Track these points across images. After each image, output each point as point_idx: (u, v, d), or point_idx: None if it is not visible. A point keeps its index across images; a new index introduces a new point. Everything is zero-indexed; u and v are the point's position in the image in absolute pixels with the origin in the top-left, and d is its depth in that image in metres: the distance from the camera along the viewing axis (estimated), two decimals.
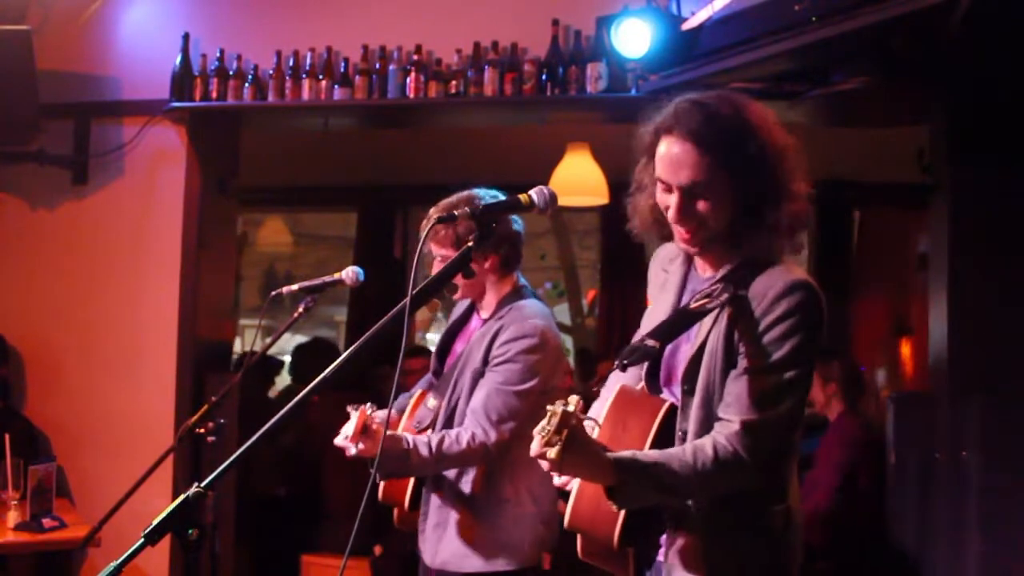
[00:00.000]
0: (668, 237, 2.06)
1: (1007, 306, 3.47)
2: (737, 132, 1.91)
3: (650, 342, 1.94)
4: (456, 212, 1.89)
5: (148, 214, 4.71)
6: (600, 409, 2.05)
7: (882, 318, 6.79)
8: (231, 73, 4.50)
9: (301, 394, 1.64)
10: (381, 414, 2.69)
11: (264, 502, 5.53)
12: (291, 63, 4.46)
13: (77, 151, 4.75)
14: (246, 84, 4.47)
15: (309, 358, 6.21)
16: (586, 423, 1.83)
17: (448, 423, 2.88)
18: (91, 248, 4.76)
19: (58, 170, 4.74)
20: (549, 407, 1.70)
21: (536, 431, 1.71)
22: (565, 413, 1.68)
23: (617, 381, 2.10)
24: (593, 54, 4.17)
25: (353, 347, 1.70)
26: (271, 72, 4.46)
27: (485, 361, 2.84)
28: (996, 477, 3.38)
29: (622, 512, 1.88)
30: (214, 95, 4.49)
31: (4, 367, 4.65)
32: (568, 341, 10.80)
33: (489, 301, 2.95)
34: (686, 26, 3.64)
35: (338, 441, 2.71)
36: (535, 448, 1.72)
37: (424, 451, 2.75)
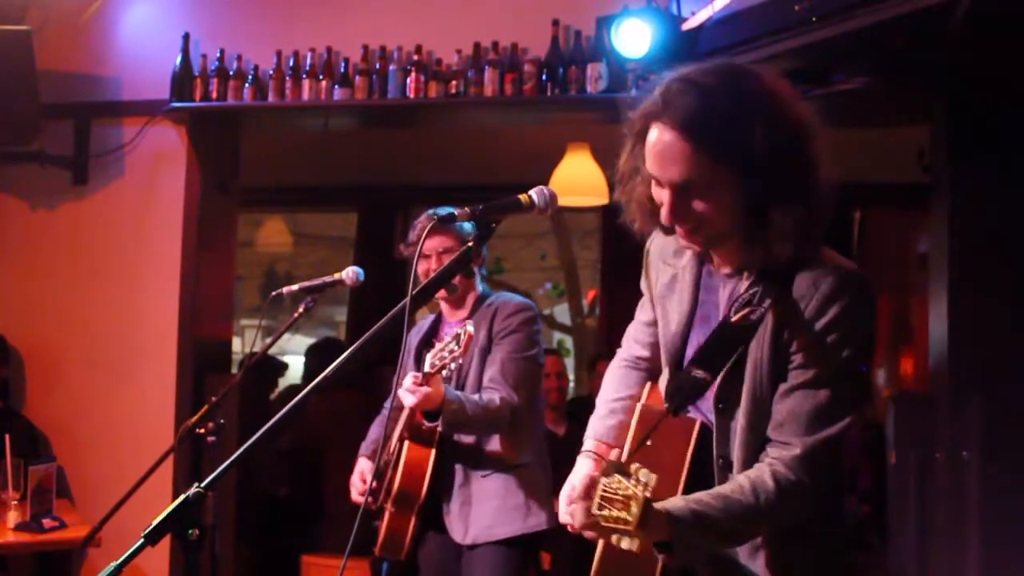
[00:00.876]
0: (669, 231, 1.78)
1: (1007, 306, 3.47)
2: (739, 117, 1.61)
3: (699, 374, 1.69)
4: (456, 212, 1.88)
5: (148, 214, 4.71)
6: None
7: (882, 318, 6.79)
8: (231, 73, 4.49)
9: (301, 394, 1.64)
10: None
11: (264, 502, 5.53)
12: (291, 63, 4.46)
13: (77, 151, 4.74)
14: (246, 84, 4.47)
15: (321, 358, 6.20)
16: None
17: None
18: (91, 248, 4.76)
19: (58, 170, 4.74)
20: (617, 487, 1.48)
21: (596, 511, 1.50)
22: (648, 505, 1.47)
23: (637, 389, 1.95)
24: (593, 54, 4.16)
25: (353, 347, 1.70)
26: (271, 72, 4.46)
27: (489, 338, 3.02)
28: (996, 477, 3.38)
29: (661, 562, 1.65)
30: (214, 95, 4.48)
31: (4, 367, 4.65)
32: (568, 341, 10.80)
33: (467, 303, 3.13)
34: (686, 26, 3.64)
35: (402, 392, 2.74)
36: (584, 524, 1.55)
37: (469, 404, 2.87)
